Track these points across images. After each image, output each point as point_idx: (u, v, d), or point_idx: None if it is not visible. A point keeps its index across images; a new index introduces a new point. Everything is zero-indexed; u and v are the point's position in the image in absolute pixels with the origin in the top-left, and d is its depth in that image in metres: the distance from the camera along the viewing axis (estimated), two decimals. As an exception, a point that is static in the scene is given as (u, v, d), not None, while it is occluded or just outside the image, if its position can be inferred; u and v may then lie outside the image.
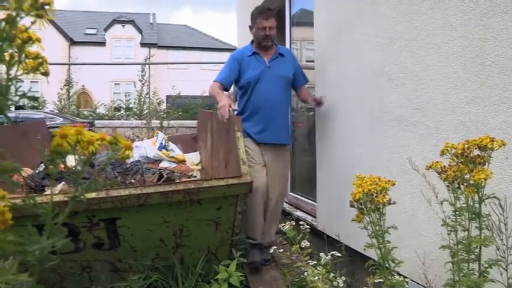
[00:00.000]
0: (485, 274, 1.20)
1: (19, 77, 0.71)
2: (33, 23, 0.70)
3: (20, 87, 0.69)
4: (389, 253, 1.40)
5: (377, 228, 1.37)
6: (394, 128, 2.41)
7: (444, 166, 1.34)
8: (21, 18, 0.66)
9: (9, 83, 0.66)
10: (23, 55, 0.72)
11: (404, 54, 2.31)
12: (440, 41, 2.04)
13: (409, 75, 2.28)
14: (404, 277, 1.84)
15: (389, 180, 1.38)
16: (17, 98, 0.68)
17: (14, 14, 0.64)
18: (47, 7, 0.70)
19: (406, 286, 1.48)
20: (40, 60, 0.75)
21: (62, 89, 18.73)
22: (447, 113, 2.01)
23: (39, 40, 0.73)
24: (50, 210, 0.70)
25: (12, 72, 0.69)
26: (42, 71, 0.76)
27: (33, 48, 0.74)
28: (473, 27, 1.85)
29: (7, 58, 0.69)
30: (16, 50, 0.70)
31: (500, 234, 1.38)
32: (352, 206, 1.41)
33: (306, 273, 2.26)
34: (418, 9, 2.20)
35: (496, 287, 1.36)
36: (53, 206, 0.75)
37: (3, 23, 0.63)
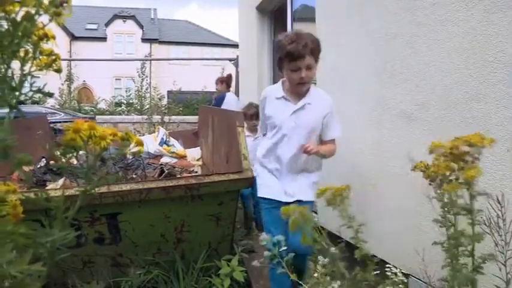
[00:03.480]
0: (479, 269, 1.20)
1: (33, 73, 0.71)
2: (50, 20, 0.70)
3: (34, 82, 0.70)
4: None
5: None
6: (395, 123, 2.41)
7: (427, 164, 1.33)
8: (40, 15, 0.67)
9: (24, 79, 0.67)
10: (38, 52, 0.72)
11: (407, 49, 2.30)
12: (443, 37, 2.04)
13: (411, 71, 2.27)
14: (407, 275, 1.85)
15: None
16: (31, 93, 0.69)
17: (32, 11, 0.64)
18: (65, 5, 0.70)
19: (405, 280, 1.48)
20: (53, 57, 0.75)
21: (62, 84, 18.72)
22: (449, 109, 2.00)
23: (54, 37, 0.73)
24: (61, 204, 0.71)
25: (26, 68, 0.70)
26: (55, 67, 0.77)
27: (46, 45, 0.74)
28: (476, 23, 1.84)
29: (22, 54, 0.69)
30: (31, 46, 0.71)
31: (498, 230, 1.38)
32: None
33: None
34: (421, 5, 2.19)
35: (495, 282, 1.37)
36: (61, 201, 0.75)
37: (18, 18, 0.63)
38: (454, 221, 1.24)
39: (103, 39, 29.55)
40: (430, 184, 1.31)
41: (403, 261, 2.21)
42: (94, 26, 30.22)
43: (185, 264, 2.55)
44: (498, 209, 1.38)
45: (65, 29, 27.51)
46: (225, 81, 6.57)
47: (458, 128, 1.93)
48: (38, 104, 14.30)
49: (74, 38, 28.50)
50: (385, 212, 2.49)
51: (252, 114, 3.83)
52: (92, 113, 16.40)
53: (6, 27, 0.64)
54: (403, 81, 2.33)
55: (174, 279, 2.49)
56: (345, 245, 2.82)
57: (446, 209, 1.25)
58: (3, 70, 0.65)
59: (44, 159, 3.72)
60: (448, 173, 1.21)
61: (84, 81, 24.71)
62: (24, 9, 0.66)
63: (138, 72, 16.98)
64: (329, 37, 3.39)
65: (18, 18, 0.65)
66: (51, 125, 5.14)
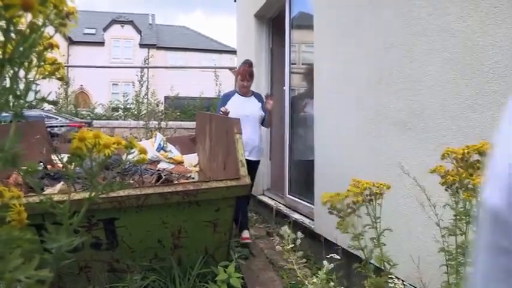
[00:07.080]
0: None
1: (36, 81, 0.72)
2: (56, 31, 0.71)
3: (39, 91, 0.71)
4: (372, 252, 1.42)
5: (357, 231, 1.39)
6: (392, 132, 2.43)
7: (448, 170, 1.35)
8: (46, 26, 0.68)
9: (29, 87, 0.68)
10: (42, 60, 0.73)
11: (403, 59, 2.33)
12: (439, 47, 2.07)
13: (407, 80, 2.30)
14: (403, 281, 1.86)
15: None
16: (36, 101, 0.70)
17: (39, 22, 0.65)
18: (70, 16, 0.72)
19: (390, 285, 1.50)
20: (57, 65, 0.77)
21: (59, 88, 18.67)
22: (445, 118, 2.03)
23: (58, 46, 0.75)
24: (67, 210, 0.72)
25: (31, 76, 0.71)
26: (59, 75, 0.78)
27: (50, 54, 0.75)
28: (472, 34, 1.87)
29: (26, 63, 0.70)
30: (35, 55, 0.72)
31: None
32: (331, 213, 1.43)
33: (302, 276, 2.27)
34: (417, 15, 2.22)
35: None
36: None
37: (28, 31, 0.64)
38: (466, 229, 1.25)
39: (101, 43, 29.59)
40: (446, 190, 1.33)
41: (399, 268, 2.22)
42: (92, 31, 30.23)
43: (182, 270, 2.55)
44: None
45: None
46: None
47: (454, 137, 1.95)
48: (35, 108, 14.24)
49: (71, 42, 28.49)
50: (381, 219, 2.50)
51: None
52: (88, 117, 16.36)
53: (14, 38, 0.65)
54: (400, 91, 2.36)
55: (171, 285, 2.49)
56: (341, 251, 2.84)
57: (457, 216, 1.26)
58: (8, 78, 0.66)
59: (41, 163, 3.72)
60: (466, 181, 1.23)
61: (81, 85, 24.68)
62: (29, 19, 0.67)
63: (137, 76, 16.99)
64: (327, 45, 3.42)
65: (22, 29, 0.66)
66: (48, 129, 5.14)
